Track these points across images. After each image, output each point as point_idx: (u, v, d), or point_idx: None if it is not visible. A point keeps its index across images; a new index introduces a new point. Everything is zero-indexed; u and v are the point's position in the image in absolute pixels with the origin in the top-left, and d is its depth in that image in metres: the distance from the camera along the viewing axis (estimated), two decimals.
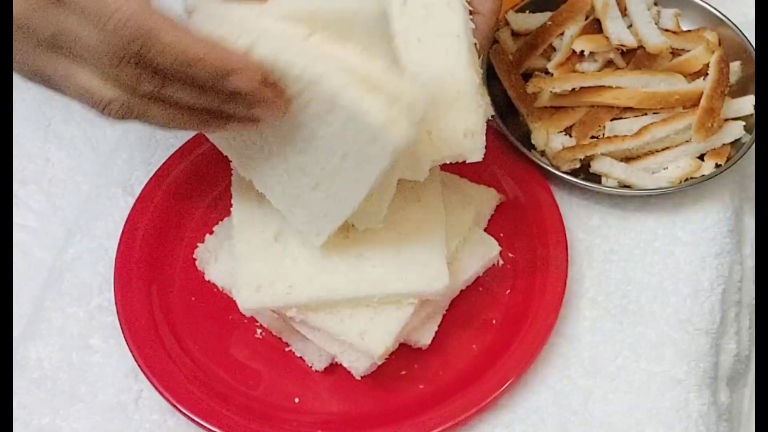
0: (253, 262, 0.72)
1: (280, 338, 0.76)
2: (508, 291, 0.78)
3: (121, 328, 0.73)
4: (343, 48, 0.60)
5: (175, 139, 0.85)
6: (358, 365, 0.70)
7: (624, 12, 0.88)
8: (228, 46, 0.59)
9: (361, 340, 0.69)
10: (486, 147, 0.70)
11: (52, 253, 0.82)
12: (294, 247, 0.72)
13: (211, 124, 0.63)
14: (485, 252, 0.76)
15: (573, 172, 0.83)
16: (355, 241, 0.72)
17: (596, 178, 0.83)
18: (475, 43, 0.71)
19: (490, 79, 0.86)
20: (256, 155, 0.68)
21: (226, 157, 0.78)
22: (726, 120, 0.83)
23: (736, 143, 0.83)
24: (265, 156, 0.68)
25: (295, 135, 0.64)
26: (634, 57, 0.86)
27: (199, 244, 0.79)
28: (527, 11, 0.90)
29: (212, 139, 0.71)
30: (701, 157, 0.83)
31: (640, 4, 0.88)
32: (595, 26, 0.87)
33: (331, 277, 0.70)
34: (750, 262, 0.84)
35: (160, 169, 0.82)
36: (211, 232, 0.79)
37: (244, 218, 0.74)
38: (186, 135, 0.84)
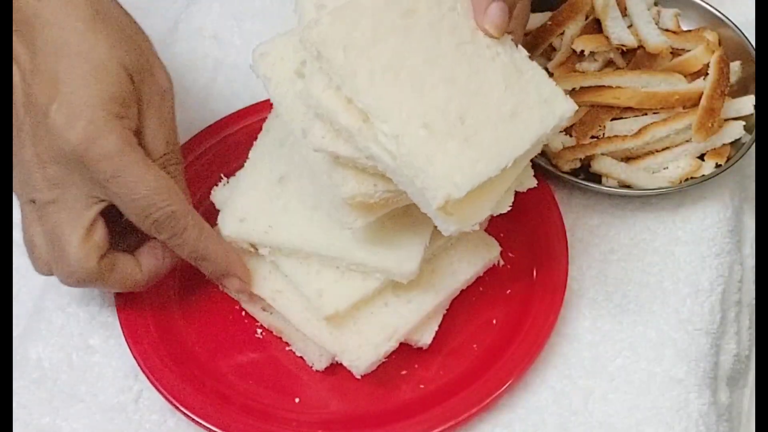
0: (247, 194, 0.74)
1: (280, 338, 0.76)
2: (508, 291, 0.78)
3: (121, 328, 0.73)
4: None
5: None
6: (358, 364, 0.70)
7: (624, 12, 0.88)
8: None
9: (318, 296, 0.71)
10: None
11: None
12: (290, 194, 0.74)
13: None
14: (485, 252, 0.76)
15: (573, 172, 0.83)
16: None
17: (596, 178, 0.83)
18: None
19: None
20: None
21: (226, 157, 0.78)
22: (726, 120, 0.83)
23: (736, 143, 0.83)
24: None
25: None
26: (634, 57, 0.86)
27: None
28: None
29: None
30: (701, 157, 0.83)
31: (640, 4, 0.88)
32: (595, 26, 0.87)
33: (310, 230, 0.72)
34: (750, 262, 0.84)
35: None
36: None
37: (258, 156, 0.77)
38: (186, 136, 0.84)
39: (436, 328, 0.74)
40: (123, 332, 0.73)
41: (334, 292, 0.71)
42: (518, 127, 0.64)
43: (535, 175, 0.81)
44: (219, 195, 0.78)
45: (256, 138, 0.79)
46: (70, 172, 0.66)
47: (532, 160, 0.80)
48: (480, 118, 0.63)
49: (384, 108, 0.62)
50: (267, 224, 0.73)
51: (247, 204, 0.74)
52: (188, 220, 0.69)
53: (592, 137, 0.84)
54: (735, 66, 0.86)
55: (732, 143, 0.83)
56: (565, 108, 0.66)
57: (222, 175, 0.80)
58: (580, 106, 0.84)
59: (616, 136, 0.83)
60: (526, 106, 0.65)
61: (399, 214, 0.71)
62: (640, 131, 0.82)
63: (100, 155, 0.64)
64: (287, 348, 0.75)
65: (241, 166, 0.78)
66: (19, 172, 0.68)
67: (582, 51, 0.85)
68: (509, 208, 0.67)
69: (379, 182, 0.65)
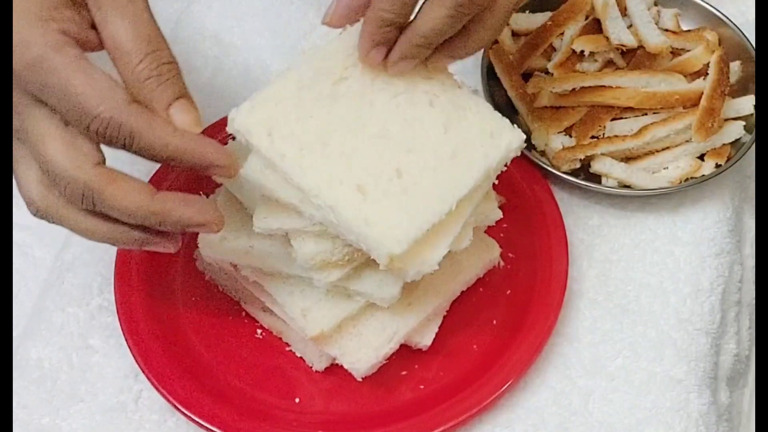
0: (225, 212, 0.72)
1: (280, 338, 0.76)
2: (508, 291, 0.78)
3: (121, 328, 0.73)
4: None
5: None
6: (359, 366, 0.70)
7: (624, 12, 0.88)
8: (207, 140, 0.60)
9: (302, 316, 0.70)
10: None
11: (52, 253, 0.82)
12: None
13: (136, 242, 0.63)
14: (485, 253, 0.76)
15: (573, 172, 0.83)
16: None
17: (596, 178, 0.83)
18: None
19: (490, 79, 0.86)
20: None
21: None
22: (726, 120, 0.83)
23: (736, 143, 0.83)
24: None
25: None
26: (634, 57, 0.86)
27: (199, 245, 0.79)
28: (527, 11, 0.90)
29: None
30: (701, 157, 0.84)
31: (640, 4, 0.88)
32: (595, 26, 0.87)
33: (289, 251, 0.69)
34: (750, 262, 0.84)
35: (160, 169, 0.82)
36: None
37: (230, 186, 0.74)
38: None
39: (436, 329, 0.74)
40: (123, 332, 0.73)
41: (318, 312, 0.71)
42: (460, 167, 0.64)
43: (535, 175, 0.82)
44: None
45: None
46: (22, 93, 0.59)
47: (532, 160, 0.81)
48: (418, 166, 0.63)
49: (316, 182, 0.62)
50: (248, 244, 0.72)
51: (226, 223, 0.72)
52: (131, 123, 0.57)
53: (592, 137, 0.84)
54: (735, 66, 0.86)
55: (732, 143, 0.83)
56: (511, 138, 0.65)
57: None
58: (580, 106, 0.85)
59: (616, 136, 0.83)
60: (469, 144, 0.65)
61: None
62: (640, 131, 0.82)
63: (25, 64, 0.57)
64: (287, 348, 0.75)
65: None
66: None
67: (582, 51, 0.85)
68: (469, 242, 0.66)
69: (336, 240, 0.65)
